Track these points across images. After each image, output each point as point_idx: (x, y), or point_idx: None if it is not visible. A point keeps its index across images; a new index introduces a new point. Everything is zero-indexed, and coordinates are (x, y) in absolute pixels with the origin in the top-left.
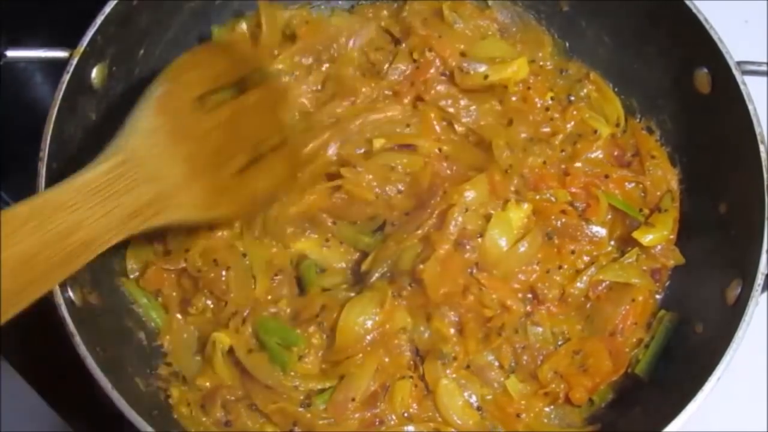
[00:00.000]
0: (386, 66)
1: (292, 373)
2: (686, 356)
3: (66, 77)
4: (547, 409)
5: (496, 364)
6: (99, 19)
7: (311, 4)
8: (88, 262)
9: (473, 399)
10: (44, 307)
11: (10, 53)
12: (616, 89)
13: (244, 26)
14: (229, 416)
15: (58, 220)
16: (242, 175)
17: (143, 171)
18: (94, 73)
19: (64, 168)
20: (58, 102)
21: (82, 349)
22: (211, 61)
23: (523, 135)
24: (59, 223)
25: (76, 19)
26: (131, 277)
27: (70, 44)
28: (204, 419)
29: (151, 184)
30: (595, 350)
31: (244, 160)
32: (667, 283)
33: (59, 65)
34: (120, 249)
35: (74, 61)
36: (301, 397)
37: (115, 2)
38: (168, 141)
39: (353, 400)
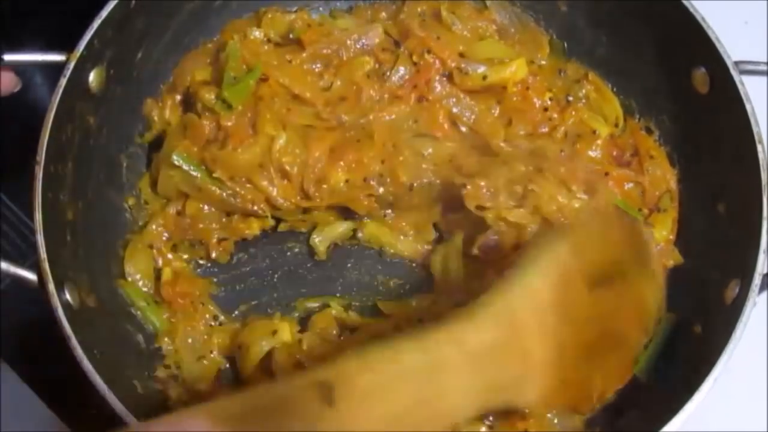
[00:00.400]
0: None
1: None
2: (684, 356)
3: (63, 81)
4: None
5: None
6: (96, 22)
7: (309, 6)
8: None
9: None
10: (42, 309)
11: (8, 57)
12: (614, 89)
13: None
14: None
15: (440, 380)
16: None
17: (519, 347)
18: (92, 76)
19: (62, 171)
20: (56, 106)
21: (79, 352)
22: (604, 233)
23: (522, 133)
24: (439, 385)
25: (74, 22)
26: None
27: (68, 47)
28: None
29: (519, 363)
30: None
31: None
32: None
33: (57, 68)
34: (117, 251)
35: (71, 65)
36: None
37: (113, 5)
38: (554, 320)
39: None
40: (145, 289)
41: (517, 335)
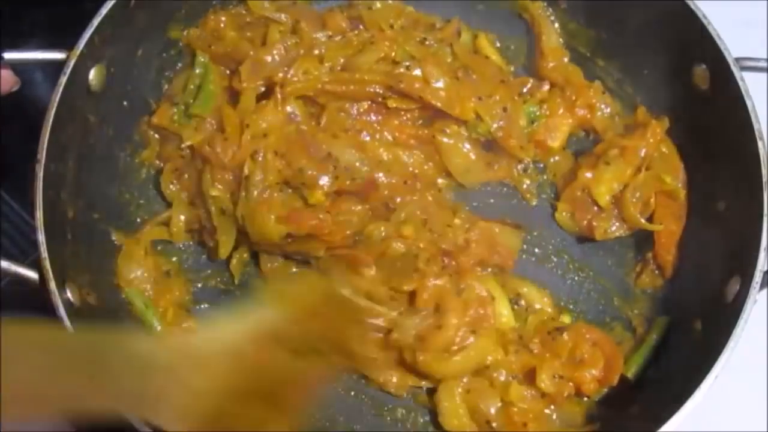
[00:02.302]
0: None
1: None
2: (685, 353)
3: (63, 79)
4: (547, 410)
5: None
6: (96, 20)
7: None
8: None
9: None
10: (42, 308)
11: (8, 55)
12: (616, 86)
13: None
14: None
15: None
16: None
17: (185, 370)
18: (92, 74)
19: (63, 169)
20: (56, 104)
21: None
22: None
23: None
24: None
25: (74, 20)
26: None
27: (68, 45)
28: None
29: (175, 386)
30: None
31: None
32: (666, 281)
33: (57, 66)
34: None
35: (71, 63)
36: None
37: (113, 3)
38: (226, 366)
39: None
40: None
41: (191, 362)
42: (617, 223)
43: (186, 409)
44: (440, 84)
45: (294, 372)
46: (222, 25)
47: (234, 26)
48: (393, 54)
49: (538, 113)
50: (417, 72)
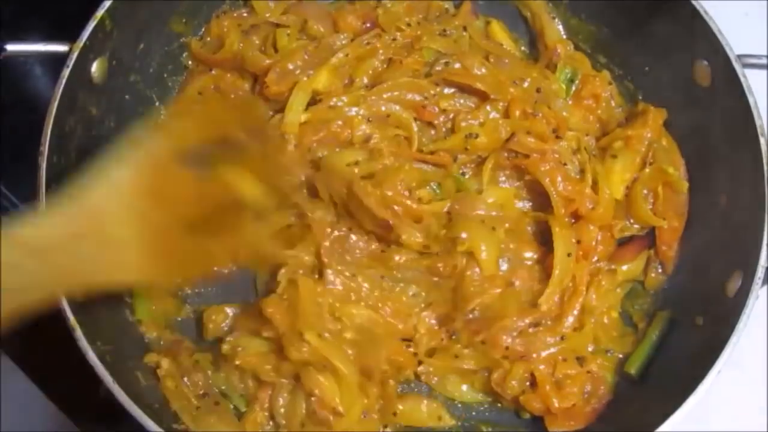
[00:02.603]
0: None
1: None
2: (687, 349)
3: (66, 71)
4: None
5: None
6: (99, 13)
7: None
8: None
9: None
10: None
11: (11, 47)
12: (617, 82)
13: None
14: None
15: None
16: (194, 238)
17: (97, 232)
18: (95, 67)
19: (65, 162)
20: (59, 96)
21: (83, 343)
22: (208, 112)
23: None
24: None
25: (77, 13)
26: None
27: (70, 38)
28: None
29: (101, 247)
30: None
31: (201, 223)
32: (668, 276)
33: (59, 59)
34: None
35: (74, 55)
36: None
37: None
38: (136, 201)
39: None
40: None
41: (96, 222)
42: (630, 221)
43: (121, 261)
44: (483, 71)
45: (211, 183)
46: (225, 30)
47: (238, 32)
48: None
49: (570, 73)
50: (457, 65)
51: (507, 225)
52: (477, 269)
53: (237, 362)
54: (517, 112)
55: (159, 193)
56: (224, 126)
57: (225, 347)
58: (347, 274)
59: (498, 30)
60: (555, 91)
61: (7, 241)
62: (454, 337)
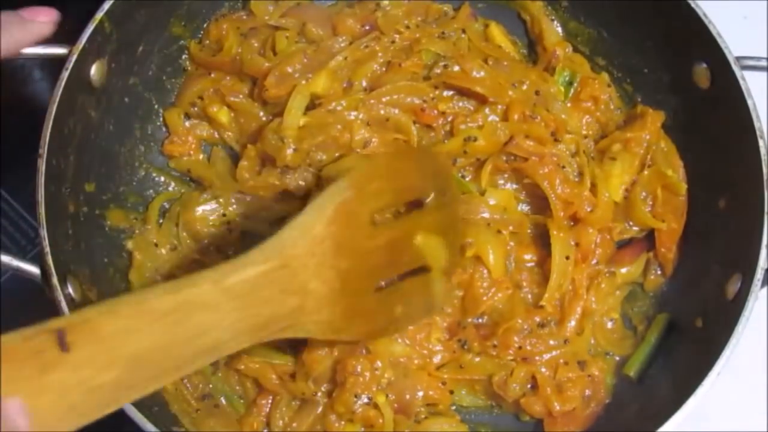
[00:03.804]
0: None
1: None
2: (686, 351)
3: (65, 74)
4: None
5: None
6: (98, 15)
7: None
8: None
9: None
10: (42, 303)
11: None
12: (616, 83)
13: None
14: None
15: (198, 319)
16: (383, 296)
17: (294, 282)
18: (93, 69)
19: (64, 165)
20: (58, 99)
21: None
22: (400, 172)
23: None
24: (197, 323)
25: (75, 16)
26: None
27: (69, 41)
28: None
29: (296, 296)
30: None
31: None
32: (667, 279)
33: (58, 61)
34: (121, 247)
35: (73, 58)
36: None
37: None
38: (331, 254)
39: None
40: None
41: (289, 270)
42: (629, 223)
43: (321, 317)
44: (482, 74)
45: (404, 231)
46: (224, 32)
47: (237, 35)
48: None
49: (569, 75)
50: (456, 68)
51: (511, 228)
52: (485, 273)
53: (240, 367)
54: (516, 116)
55: (352, 249)
56: (416, 184)
57: None
58: None
59: (497, 33)
60: (554, 93)
61: (213, 282)
62: (465, 347)
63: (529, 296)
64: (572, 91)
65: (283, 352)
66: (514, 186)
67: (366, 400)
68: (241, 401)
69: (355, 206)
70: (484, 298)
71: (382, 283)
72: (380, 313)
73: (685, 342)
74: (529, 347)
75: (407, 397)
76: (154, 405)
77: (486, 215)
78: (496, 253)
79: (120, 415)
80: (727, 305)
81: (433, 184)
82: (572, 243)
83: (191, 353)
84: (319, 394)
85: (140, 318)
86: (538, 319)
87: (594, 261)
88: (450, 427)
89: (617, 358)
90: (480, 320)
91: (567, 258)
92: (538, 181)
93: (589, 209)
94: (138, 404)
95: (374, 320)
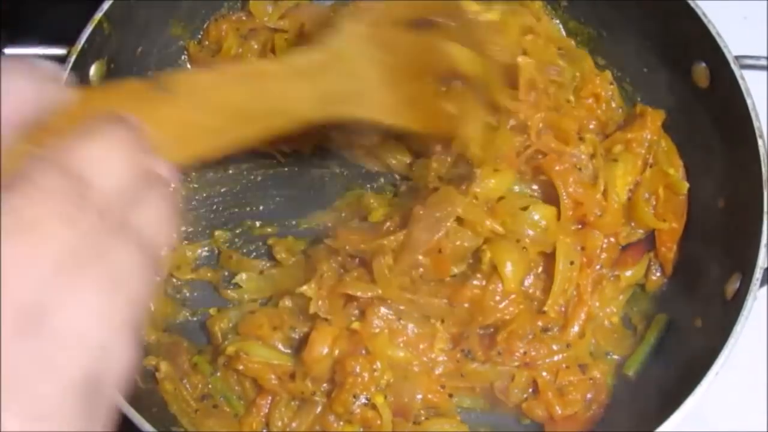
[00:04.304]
0: None
1: None
2: (685, 351)
3: (64, 74)
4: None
5: None
6: (97, 16)
7: None
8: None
9: None
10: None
11: (8, 50)
12: (616, 83)
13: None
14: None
15: (272, 85)
16: (435, 95)
17: (344, 68)
18: (93, 70)
19: None
20: None
21: None
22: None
23: None
24: (272, 88)
25: (75, 16)
26: None
27: (68, 41)
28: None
29: (349, 79)
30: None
31: (437, 83)
32: (666, 279)
33: (57, 61)
34: None
35: (72, 58)
36: None
37: None
38: (370, 47)
39: None
40: None
41: (344, 60)
42: (632, 225)
43: (370, 95)
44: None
45: (429, 46)
46: (223, 33)
47: (237, 35)
48: None
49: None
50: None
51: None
52: (499, 287)
53: (239, 367)
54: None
55: (388, 45)
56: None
57: (230, 349)
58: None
59: None
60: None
61: (279, 62)
62: (469, 356)
63: (534, 302)
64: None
65: (282, 352)
66: (534, 187)
67: (364, 401)
68: (240, 401)
69: (381, 11)
70: (495, 310)
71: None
72: (434, 106)
73: (685, 341)
74: (533, 352)
75: (406, 399)
76: (152, 405)
77: (531, 233)
78: (515, 268)
79: (119, 415)
80: (726, 305)
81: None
82: (578, 248)
83: (265, 109)
84: (318, 394)
85: (225, 77)
86: (541, 324)
87: (598, 266)
88: (450, 427)
89: (617, 359)
90: (484, 331)
91: (571, 263)
92: (552, 177)
93: (598, 213)
94: (137, 405)
95: (429, 111)
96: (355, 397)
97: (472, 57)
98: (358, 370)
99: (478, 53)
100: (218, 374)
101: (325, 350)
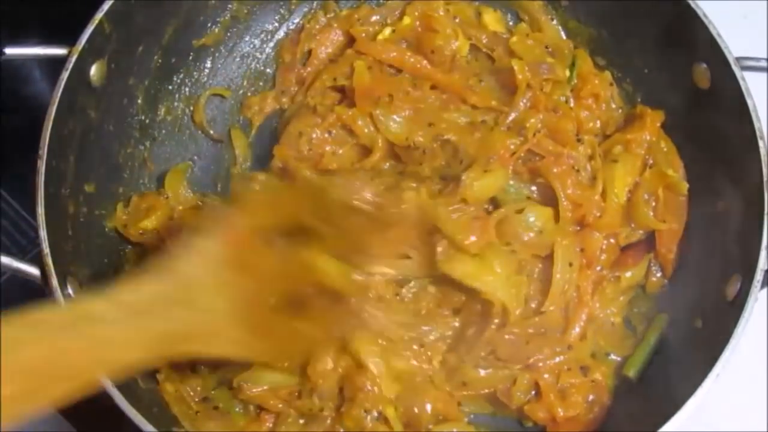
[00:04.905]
0: None
1: None
2: (686, 352)
3: (65, 75)
4: None
5: None
6: (98, 16)
7: None
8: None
9: None
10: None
11: (9, 50)
12: (616, 83)
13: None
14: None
15: (94, 331)
16: (288, 318)
17: (189, 300)
18: (93, 70)
19: (64, 165)
20: (57, 99)
21: None
22: (276, 202)
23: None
24: (94, 335)
25: (75, 16)
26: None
27: (69, 41)
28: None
29: (193, 313)
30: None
31: (292, 302)
32: (667, 279)
33: (57, 62)
34: (120, 247)
35: (73, 59)
36: None
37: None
38: (223, 271)
39: None
40: None
41: (187, 289)
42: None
43: (216, 332)
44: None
45: (292, 261)
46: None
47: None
48: None
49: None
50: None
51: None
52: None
53: (242, 397)
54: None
55: (244, 266)
56: (295, 214)
57: (235, 382)
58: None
59: (490, 19)
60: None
61: (108, 299)
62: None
63: (533, 304)
64: (574, 77)
65: (289, 373)
66: (533, 188)
67: (376, 415)
68: (241, 413)
69: (247, 228)
70: (495, 340)
71: (288, 303)
72: (288, 332)
73: (685, 343)
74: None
75: (416, 410)
76: (153, 406)
77: (526, 238)
78: (517, 299)
79: (120, 416)
80: (726, 306)
81: (315, 214)
82: (577, 249)
83: (82, 363)
84: (326, 409)
85: (35, 329)
86: (543, 329)
87: (598, 268)
88: (458, 428)
89: (618, 359)
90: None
91: (570, 265)
92: (550, 180)
93: (597, 214)
94: (138, 405)
95: (283, 336)
96: (366, 411)
97: (342, 270)
98: (369, 386)
99: (351, 257)
100: (218, 390)
101: (330, 365)
